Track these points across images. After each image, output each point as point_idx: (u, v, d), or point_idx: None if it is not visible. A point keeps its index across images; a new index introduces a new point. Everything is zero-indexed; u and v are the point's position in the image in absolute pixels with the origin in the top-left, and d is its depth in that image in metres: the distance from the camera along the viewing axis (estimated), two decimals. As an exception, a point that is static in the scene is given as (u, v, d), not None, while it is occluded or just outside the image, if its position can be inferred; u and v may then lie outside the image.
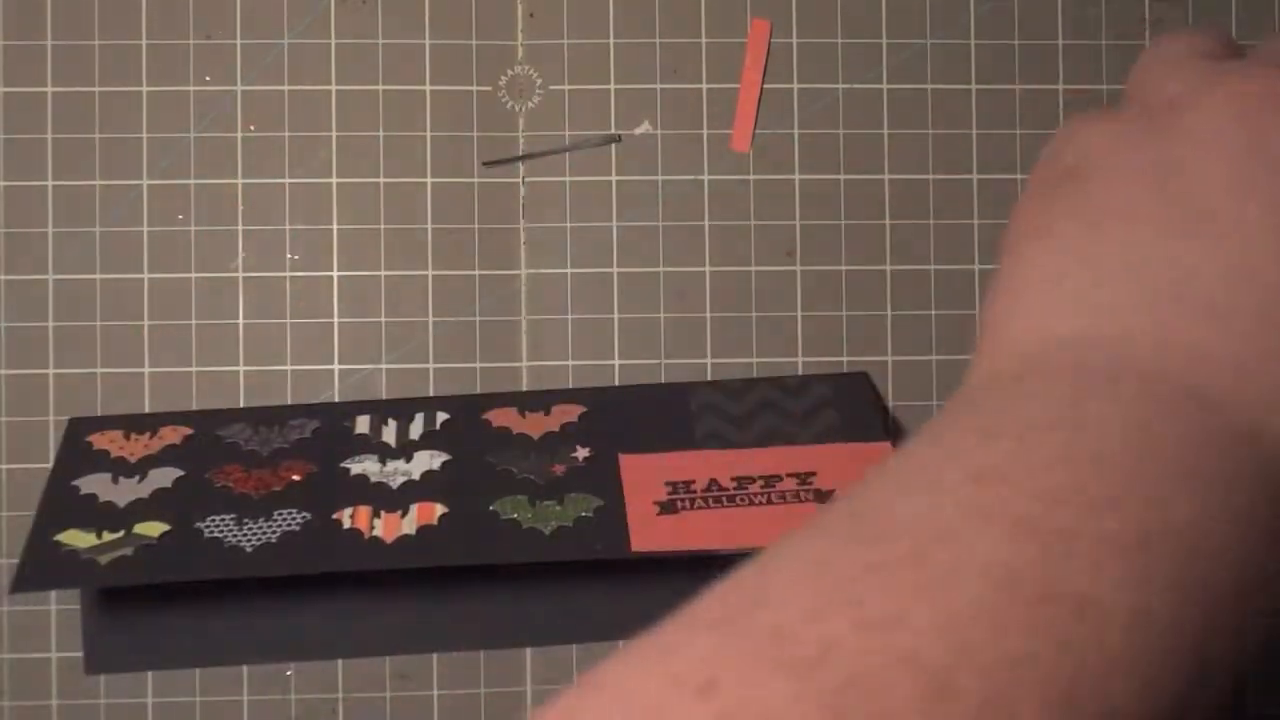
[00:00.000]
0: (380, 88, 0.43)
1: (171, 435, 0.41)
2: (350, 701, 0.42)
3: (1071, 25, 0.45)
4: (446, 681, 0.42)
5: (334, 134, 0.43)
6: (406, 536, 0.37)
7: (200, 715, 0.42)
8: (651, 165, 0.44)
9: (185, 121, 0.43)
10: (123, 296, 0.42)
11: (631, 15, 0.44)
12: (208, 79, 0.43)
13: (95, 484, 0.39)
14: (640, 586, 0.41)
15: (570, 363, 0.43)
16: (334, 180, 0.43)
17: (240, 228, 0.43)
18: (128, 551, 0.37)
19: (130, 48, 0.43)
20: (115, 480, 0.39)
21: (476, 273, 0.43)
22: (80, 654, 0.41)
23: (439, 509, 0.38)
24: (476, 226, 0.43)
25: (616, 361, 0.43)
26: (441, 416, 0.41)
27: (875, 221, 0.44)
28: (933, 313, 0.44)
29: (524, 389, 0.43)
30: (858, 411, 0.40)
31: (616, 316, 0.43)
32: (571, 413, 0.41)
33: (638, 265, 0.43)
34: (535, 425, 0.41)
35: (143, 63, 0.43)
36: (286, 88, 0.43)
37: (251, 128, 0.43)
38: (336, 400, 0.42)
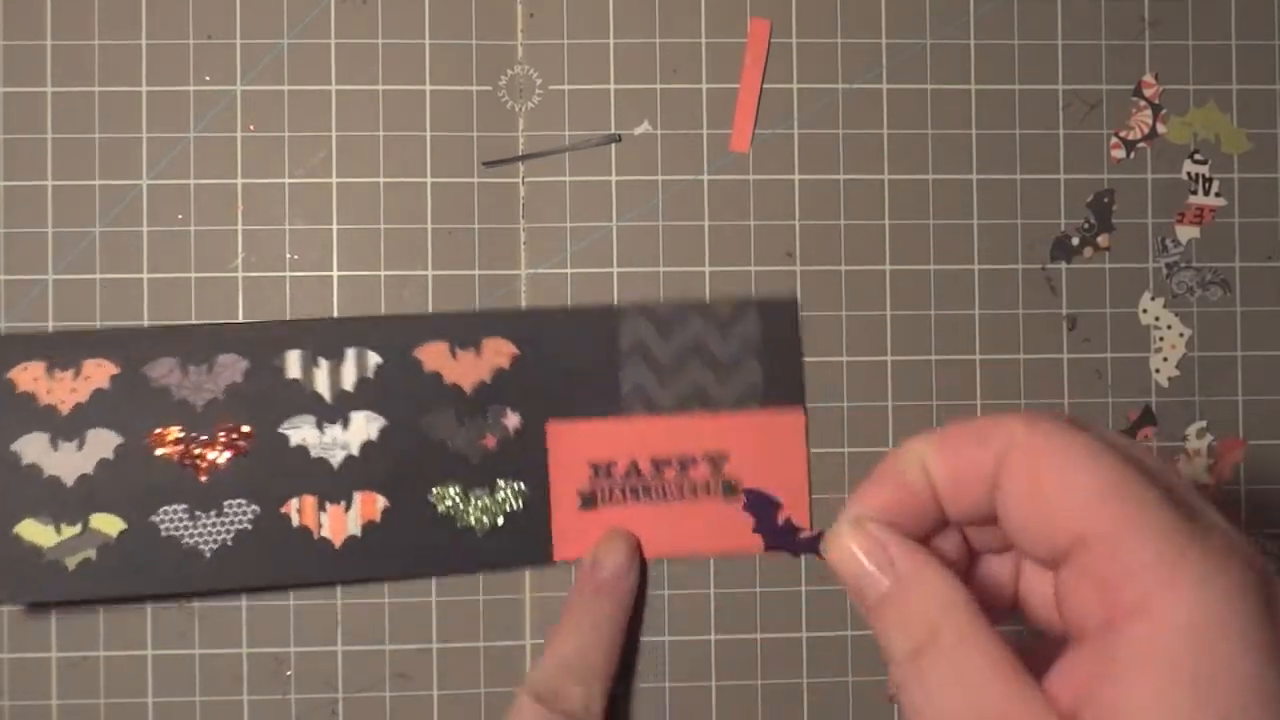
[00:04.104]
0: (380, 88, 0.43)
1: (98, 375, 0.41)
2: (350, 701, 0.42)
3: (1071, 25, 0.45)
4: (446, 681, 0.42)
5: (334, 134, 0.43)
6: (353, 539, 0.41)
7: (200, 715, 0.42)
8: (651, 165, 0.44)
9: (185, 121, 0.43)
10: (123, 296, 0.42)
11: (631, 15, 0.44)
12: (208, 79, 0.43)
13: (34, 448, 0.41)
14: None
15: (570, 363, 0.43)
16: (334, 180, 0.43)
17: (240, 228, 0.43)
18: (90, 554, 0.41)
19: (130, 48, 0.43)
20: (54, 445, 0.41)
21: (476, 273, 0.43)
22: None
23: (380, 501, 0.41)
24: (476, 226, 0.43)
25: (616, 361, 0.43)
26: (374, 360, 0.42)
27: (875, 221, 0.44)
28: (932, 313, 0.44)
29: (449, 312, 0.43)
30: (779, 358, 0.43)
31: (616, 316, 0.43)
32: (504, 354, 0.42)
33: (638, 265, 0.43)
34: (467, 371, 0.42)
35: (143, 63, 0.43)
36: (286, 88, 0.43)
37: (251, 128, 0.43)
38: (255, 323, 0.42)
